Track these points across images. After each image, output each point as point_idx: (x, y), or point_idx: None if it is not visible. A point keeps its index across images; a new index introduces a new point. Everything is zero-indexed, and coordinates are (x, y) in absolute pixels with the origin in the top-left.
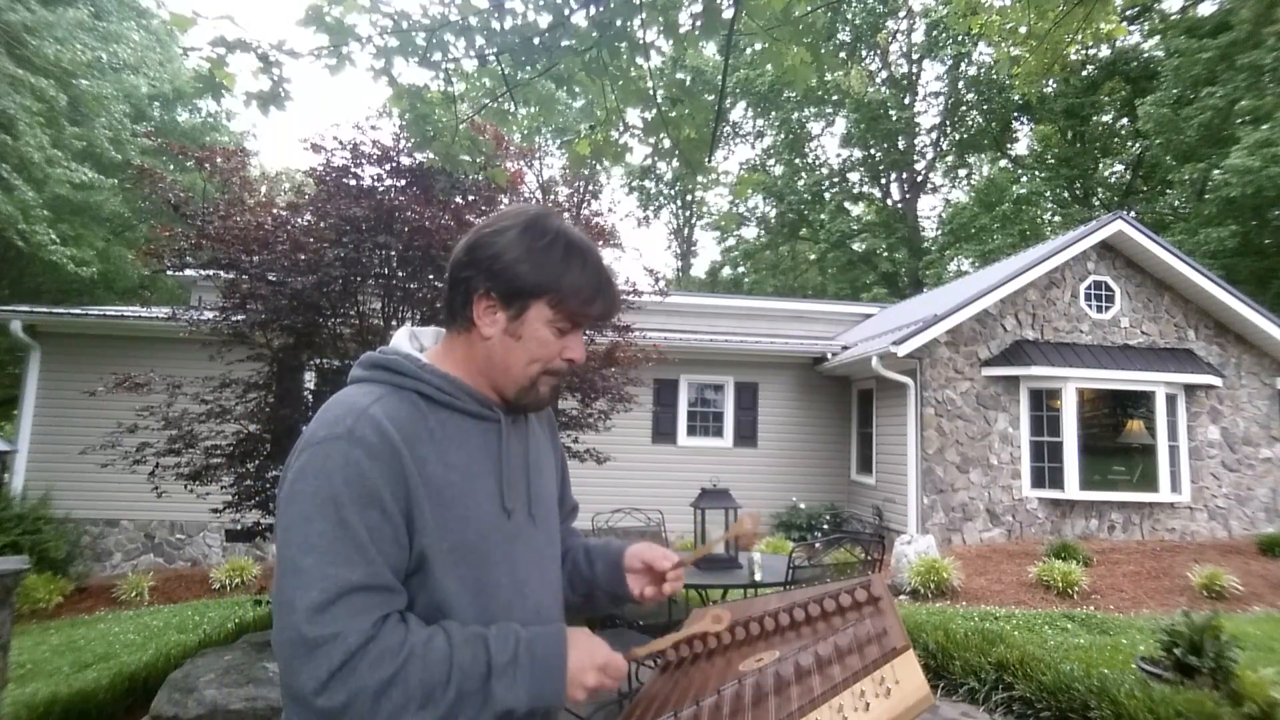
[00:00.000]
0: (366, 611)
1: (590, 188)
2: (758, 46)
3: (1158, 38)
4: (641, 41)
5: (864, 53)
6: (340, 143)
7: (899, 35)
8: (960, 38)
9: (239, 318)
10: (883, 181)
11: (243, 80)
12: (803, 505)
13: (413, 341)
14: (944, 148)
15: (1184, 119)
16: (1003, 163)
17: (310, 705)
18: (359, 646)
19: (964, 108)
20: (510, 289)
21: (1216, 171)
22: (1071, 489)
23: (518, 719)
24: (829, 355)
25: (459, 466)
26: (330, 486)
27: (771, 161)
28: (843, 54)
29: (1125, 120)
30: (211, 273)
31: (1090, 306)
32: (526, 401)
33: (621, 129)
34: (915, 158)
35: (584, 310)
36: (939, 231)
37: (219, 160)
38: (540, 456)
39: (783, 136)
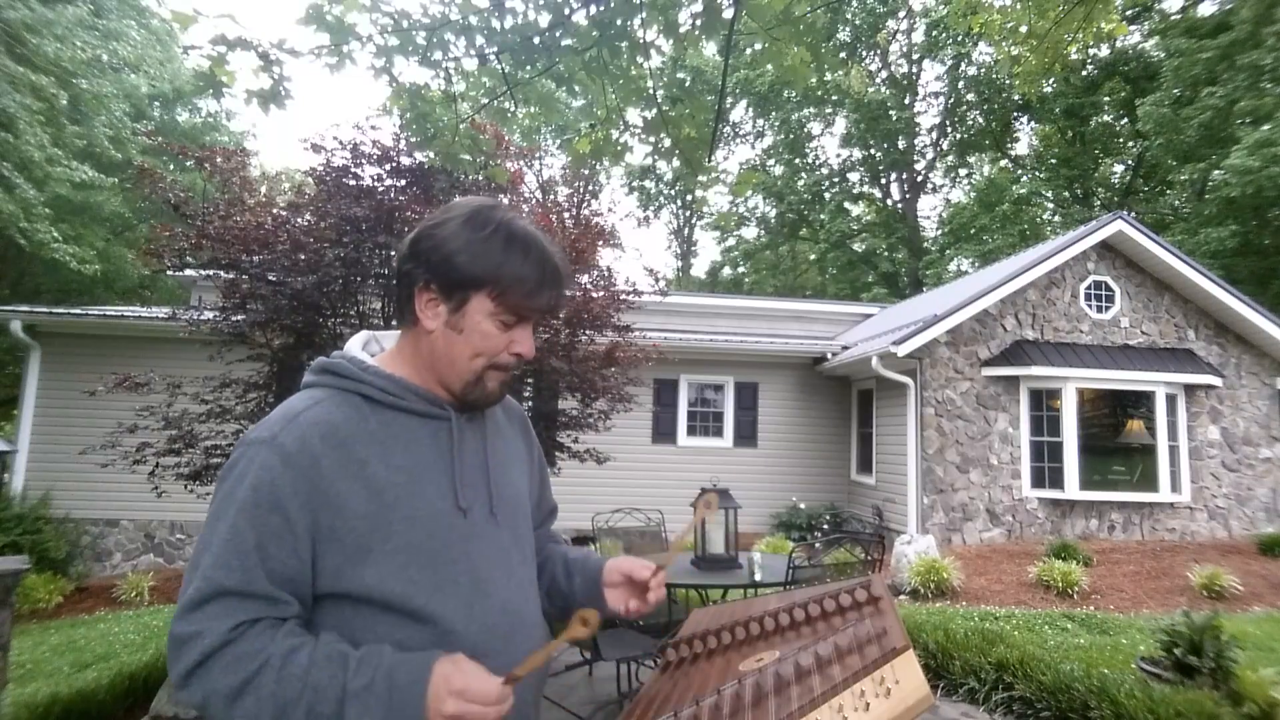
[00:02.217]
0: (229, 615)
1: (590, 188)
2: (758, 46)
3: (1158, 38)
4: (641, 41)
5: (864, 53)
6: (340, 143)
7: (899, 35)
8: (960, 37)
9: (239, 318)
10: (883, 181)
11: (243, 78)
12: (803, 505)
13: (370, 345)
14: (944, 148)
15: (1184, 119)
16: (1003, 163)
17: (181, 699)
18: (214, 649)
19: (964, 108)
20: (450, 281)
21: (1216, 171)
22: (1071, 489)
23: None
24: (829, 355)
25: (404, 467)
26: (239, 489)
27: (771, 161)
28: (843, 54)
29: (1125, 120)
30: (211, 273)
31: (1090, 306)
32: (474, 397)
33: (622, 128)
34: (915, 158)
35: (527, 303)
36: (939, 231)
37: (219, 160)
38: (506, 455)
39: (783, 136)
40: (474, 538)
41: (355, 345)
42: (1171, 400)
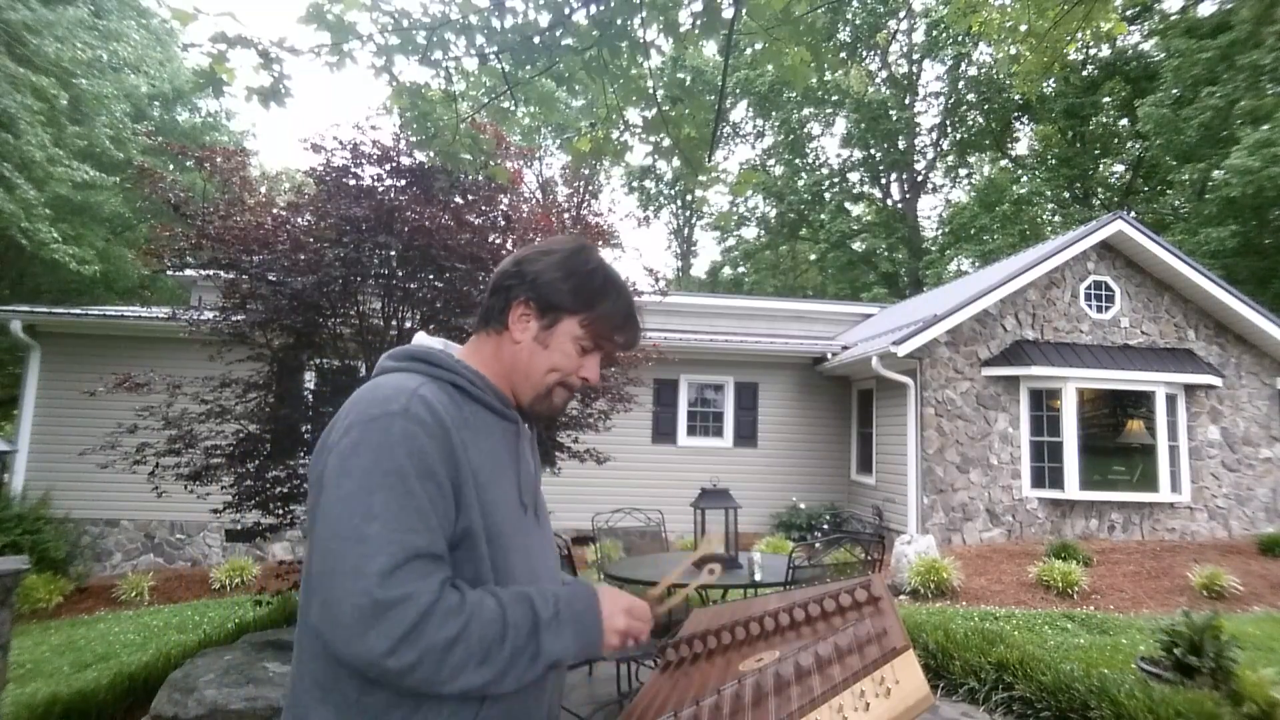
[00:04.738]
0: (431, 575)
1: (590, 188)
2: (758, 46)
3: (1158, 38)
4: (641, 40)
5: (864, 53)
6: (340, 143)
7: (899, 35)
8: (960, 37)
9: (239, 318)
10: (883, 181)
11: (243, 76)
12: (803, 505)
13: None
14: (944, 148)
15: (1184, 119)
16: (1003, 163)
17: (381, 667)
18: (429, 606)
19: (964, 108)
20: (549, 302)
21: (1217, 171)
22: (1071, 489)
23: (559, 670)
24: (829, 355)
25: (489, 455)
26: (393, 458)
27: (771, 161)
28: (843, 54)
29: (1125, 120)
30: (211, 273)
31: (1090, 306)
32: (540, 408)
33: (622, 128)
34: (915, 158)
35: (610, 336)
36: (939, 231)
37: (219, 160)
38: (535, 467)
39: (783, 137)
40: (531, 533)
41: (430, 341)
42: (1171, 400)
